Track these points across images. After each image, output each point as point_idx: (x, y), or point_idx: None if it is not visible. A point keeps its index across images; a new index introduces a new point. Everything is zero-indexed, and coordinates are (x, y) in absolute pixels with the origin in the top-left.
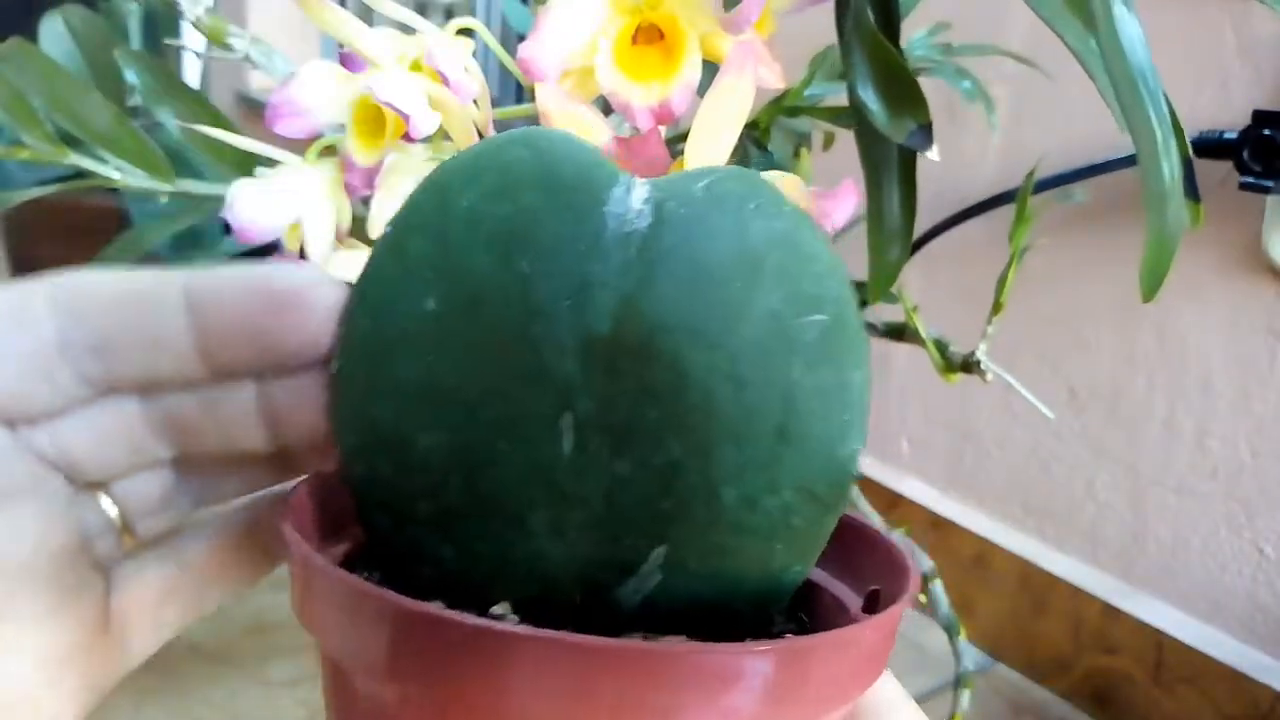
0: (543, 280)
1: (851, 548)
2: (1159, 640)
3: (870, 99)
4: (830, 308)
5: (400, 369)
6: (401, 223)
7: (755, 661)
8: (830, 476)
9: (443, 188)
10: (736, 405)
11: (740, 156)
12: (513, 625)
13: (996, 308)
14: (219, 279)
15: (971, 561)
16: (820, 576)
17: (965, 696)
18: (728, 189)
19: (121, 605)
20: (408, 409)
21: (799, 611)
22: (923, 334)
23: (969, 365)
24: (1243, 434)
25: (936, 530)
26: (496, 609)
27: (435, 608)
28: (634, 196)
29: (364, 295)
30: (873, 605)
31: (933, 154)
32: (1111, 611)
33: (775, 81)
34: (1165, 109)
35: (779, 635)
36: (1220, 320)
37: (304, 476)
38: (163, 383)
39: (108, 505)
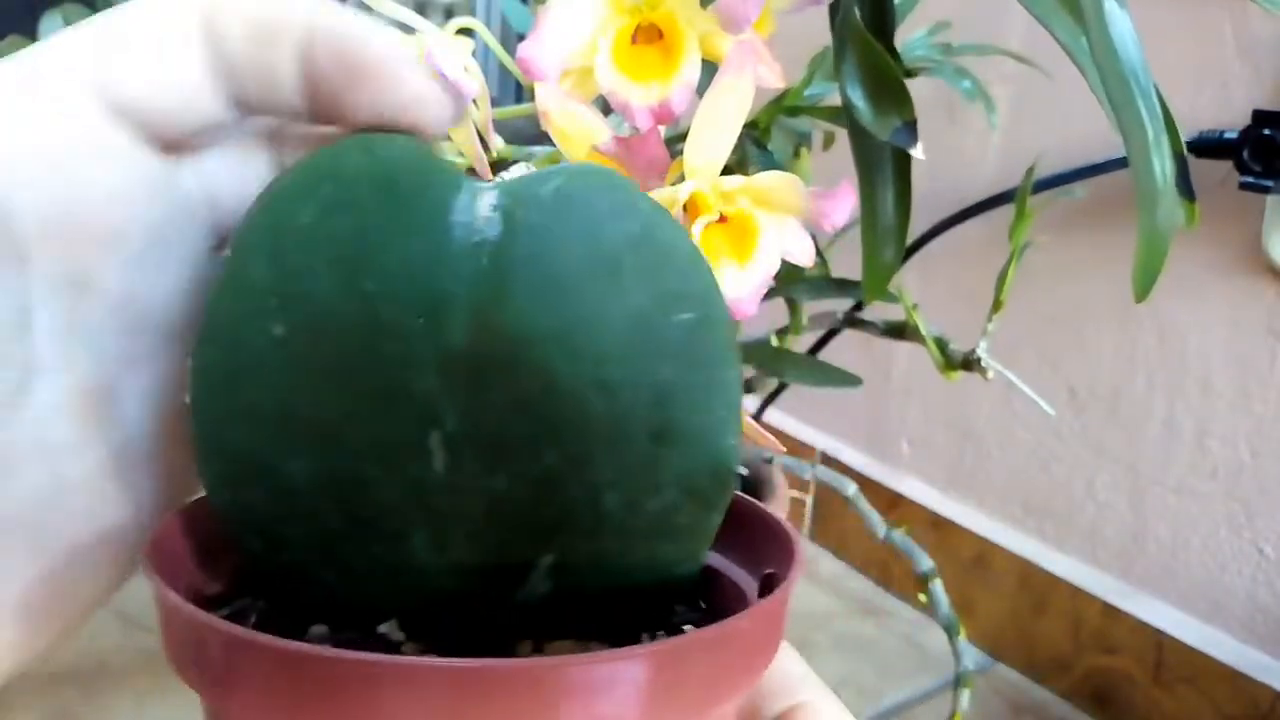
0: (390, 298)
1: (747, 531)
2: (1159, 640)
3: (857, 96)
4: (696, 305)
5: (255, 397)
6: (240, 244)
7: (628, 668)
8: (711, 472)
9: (277, 205)
10: (609, 410)
11: (740, 156)
12: (384, 656)
13: (997, 305)
14: (338, 33)
15: (972, 561)
16: (720, 562)
17: (965, 696)
18: (579, 191)
19: None
20: (268, 437)
21: (699, 598)
22: (923, 332)
23: (970, 363)
24: (1243, 434)
25: (937, 530)
26: (384, 627)
27: (305, 646)
28: (481, 204)
29: (210, 323)
30: (768, 587)
31: (917, 152)
32: (1111, 611)
33: (775, 81)
34: (1157, 106)
35: (678, 626)
36: (1220, 320)
37: (173, 511)
38: (280, 113)
39: None
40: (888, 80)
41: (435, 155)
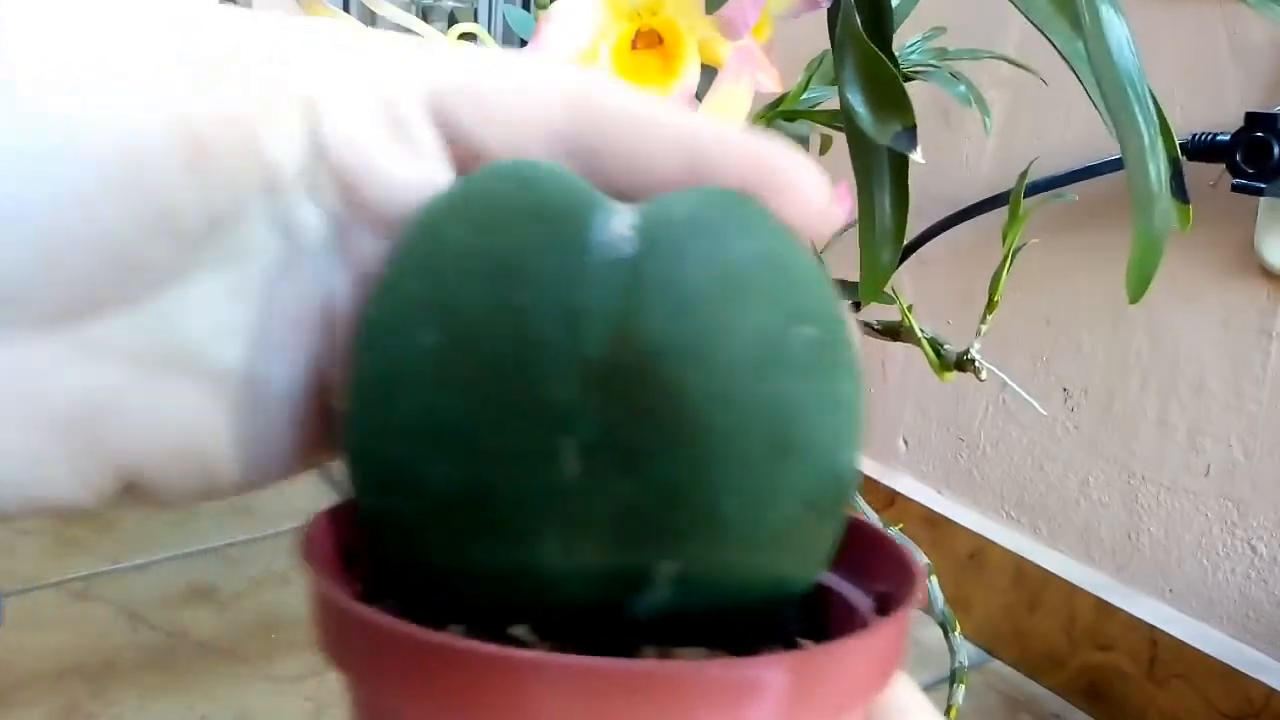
0: (536, 310)
1: (858, 548)
2: (1152, 636)
3: (857, 102)
4: (818, 321)
5: (404, 405)
6: (394, 261)
7: (769, 673)
8: (830, 486)
9: (432, 224)
10: (731, 422)
11: None
12: (529, 652)
13: (991, 305)
14: (729, 141)
15: (967, 558)
16: (829, 579)
17: (960, 692)
18: (711, 211)
19: None
20: (414, 444)
21: (810, 613)
22: (918, 333)
23: (964, 364)
24: (1235, 433)
25: (932, 527)
26: (515, 630)
27: (451, 638)
28: (618, 223)
29: (364, 334)
30: (883, 606)
31: (917, 156)
32: (1105, 608)
33: (773, 85)
34: (1152, 111)
35: (791, 639)
36: (1213, 321)
37: (322, 509)
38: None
39: None
40: (888, 85)
41: (577, 179)
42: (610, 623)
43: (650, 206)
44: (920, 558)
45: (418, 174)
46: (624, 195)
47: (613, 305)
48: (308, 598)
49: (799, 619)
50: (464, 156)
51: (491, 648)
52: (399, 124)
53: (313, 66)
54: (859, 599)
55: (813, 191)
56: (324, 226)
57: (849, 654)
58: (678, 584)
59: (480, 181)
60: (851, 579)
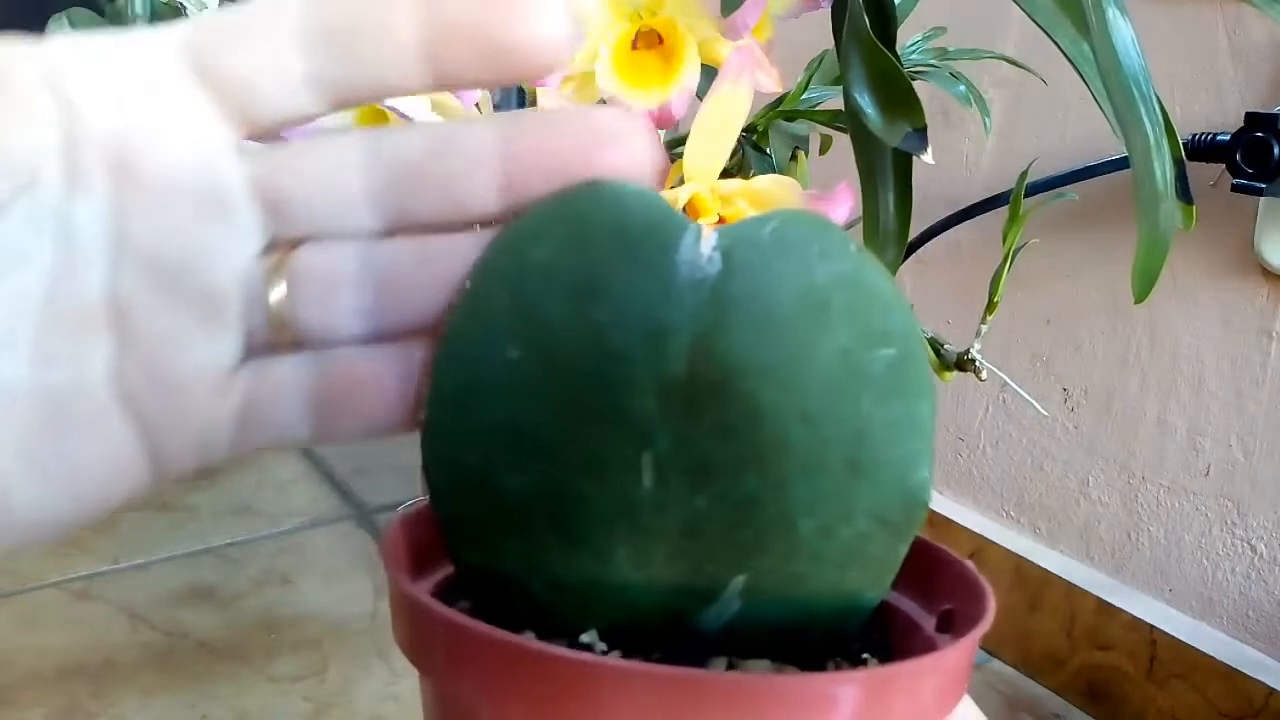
0: (619, 326)
1: (921, 567)
2: (1152, 636)
3: (865, 103)
4: (897, 342)
5: (486, 415)
6: (480, 277)
7: (843, 689)
8: (902, 504)
9: (517, 242)
10: (810, 440)
11: (738, 160)
12: (611, 659)
13: (991, 306)
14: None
15: (967, 558)
16: (891, 596)
17: None
18: (793, 233)
19: (241, 382)
20: (494, 453)
21: (873, 632)
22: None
23: (964, 364)
24: (1235, 433)
25: (932, 527)
26: (585, 637)
27: (536, 643)
28: (703, 244)
29: (448, 347)
30: (945, 625)
31: (927, 157)
32: (1105, 608)
33: (773, 85)
34: (1158, 111)
35: (856, 656)
36: (1213, 321)
37: (401, 511)
38: (385, 90)
39: (278, 291)
40: (897, 86)
41: (662, 200)
42: (678, 634)
43: (733, 228)
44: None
45: (192, 138)
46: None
47: (694, 323)
48: (389, 597)
49: (862, 636)
50: (236, 105)
51: (576, 654)
52: (158, 86)
53: (55, 51)
54: (922, 617)
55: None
56: (100, 218)
57: (920, 674)
58: (747, 597)
59: (565, 199)
60: (913, 596)
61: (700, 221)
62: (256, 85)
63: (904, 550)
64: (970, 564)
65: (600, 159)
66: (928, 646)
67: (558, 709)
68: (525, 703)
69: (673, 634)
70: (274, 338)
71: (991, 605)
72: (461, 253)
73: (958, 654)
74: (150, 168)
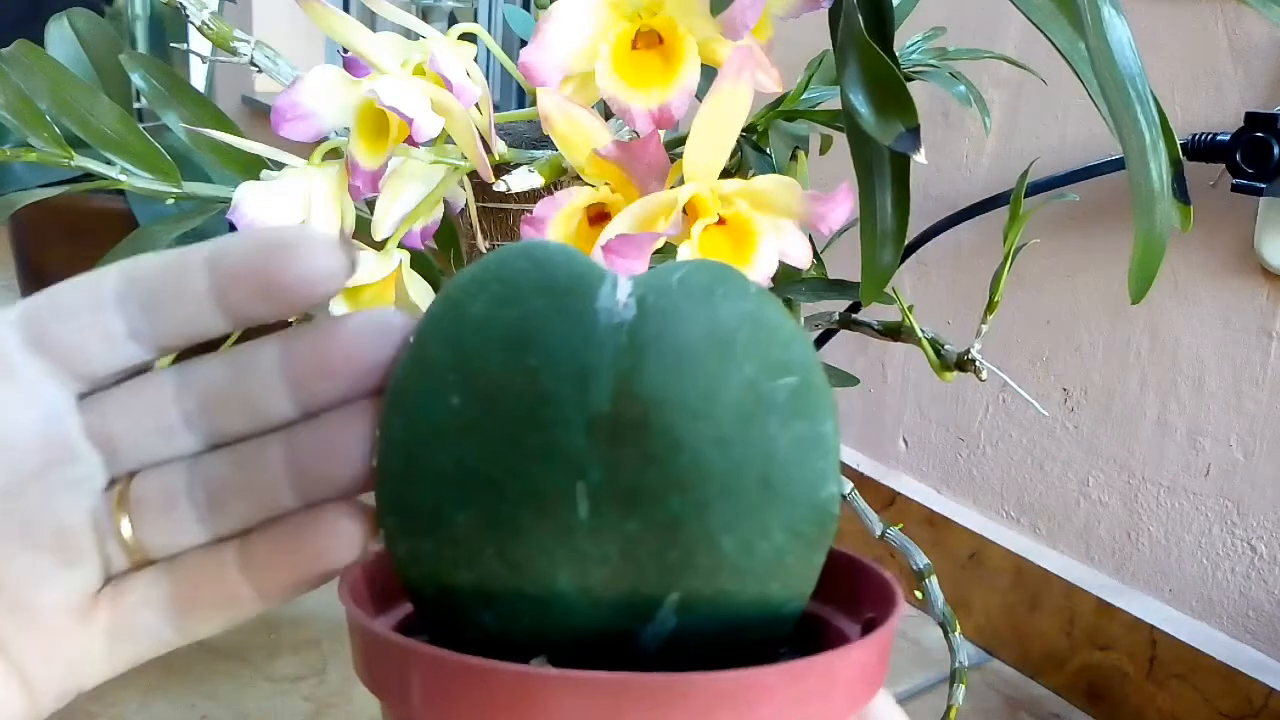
0: (549, 371)
1: (848, 581)
2: (1152, 636)
3: (860, 103)
4: (797, 371)
5: (433, 458)
6: (422, 333)
7: (772, 679)
8: (814, 517)
9: (456, 299)
10: (724, 463)
11: (738, 160)
12: (554, 670)
13: (991, 306)
14: (233, 238)
15: (967, 558)
16: (824, 610)
17: (961, 691)
18: (698, 280)
19: (104, 604)
20: (442, 492)
21: (806, 643)
22: (918, 333)
23: (964, 364)
24: (1235, 433)
25: (932, 527)
26: (534, 662)
27: (479, 660)
28: (619, 292)
29: (395, 398)
30: (868, 632)
31: (920, 157)
32: (1105, 608)
33: (773, 86)
34: (1154, 111)
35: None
36: (1212, 321)
37: (358, 562)
38: (193, 334)
39: (125, 524)
40: (891, 86)
41: (583, 256)
42: (622, 654)
43: (645, 276)
44: (921, 558)
45: (35, 401)
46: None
47: (616, 363)
48: (348, 634)
49: (796, 648)
50: (70, 365)
51: (520, 667)
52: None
53: None
54: (849, 627)
55: (320, 251)
56: None
57: (839, 664)
58: (681, 614)
59: (496, 262)
60: (842, 610)
61: (614, 272)
62: (85, 347)
63: (819, 559)
64: (883, 571)
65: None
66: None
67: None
68: (472, 716)
69: (617, 655)
70: (128, 560)
71: (899, 604)
72: (270, 456)
73: (870, 648)
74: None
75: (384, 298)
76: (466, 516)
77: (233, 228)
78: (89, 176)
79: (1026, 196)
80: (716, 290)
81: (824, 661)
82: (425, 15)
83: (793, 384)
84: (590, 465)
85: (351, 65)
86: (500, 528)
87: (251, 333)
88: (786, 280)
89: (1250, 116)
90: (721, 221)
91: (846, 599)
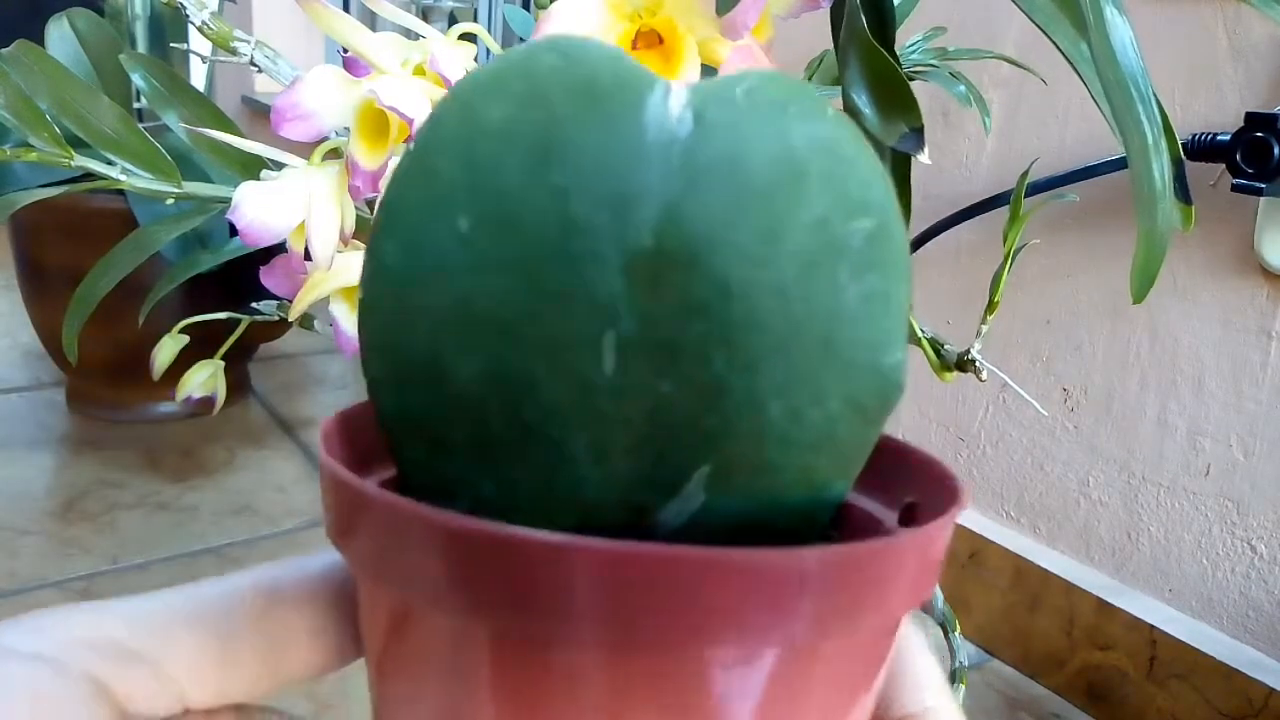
0: (581, 193)
1: (878, 461)
2: (1152, 636)
3: (863, 102)
4: (876, 213)
5: (432, 295)
6: (426, 141)
7: (809, 564)
8: (876, 386)
9: (468, 100)
10: (782, 318)
11: None
12: (571, 537)
13: (991, 306)
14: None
15: (967, 558)
16: (852, 494)
17: (960, 692)
18: (768, 93)
19: None
20: (442, 336)
21: (830, 530)
22: (918, 334)
23: (964, 364)
24: (1235, 433)
25: None
26: (529, 529)
27: (487, 522)
28: (672, 102)
29: (389, 220)
30: (909, 519)
31: (924, 157)
32: (1105, 608)
33: None
34: (1156, 112)
35: None
36: (1212, 320)
37: (337, 411)
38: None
39: None
40: (894, 86)
41: (627, 56)
42: (637, 532)
43: (705, 85)
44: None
45: None
46: None
47: (664, 188)
48: (321, 491)
49: (821, 534)
50: None
51: (520, 529)
52: None
53: None
54: (882, 512)
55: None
56: None
57: (886, 555)
58: (711, 488)
59: (520, 56)
60: (871, 493)
61: (665, 79)
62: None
63: (874, 436)
64: (933, 454)
65: None
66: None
67: (514, 595)
68: (459, 590)
69: (632, 532)
70: None
71: (963, 490)
72: None
73: (923, 540)
74: None
75: None
76: (470, 366)
77: (233, 229)
78: (89, 176)
79: (1026, 196)
80: (790, 108)
81: (879, 547)
82: (425, 15)
83: (870, 228)
84: (623, 312)
85: (351, 65)
86: (509, 381)
87: (248, 334)
88: None
89: (1250, 116)
90: None
91: (876, 482)
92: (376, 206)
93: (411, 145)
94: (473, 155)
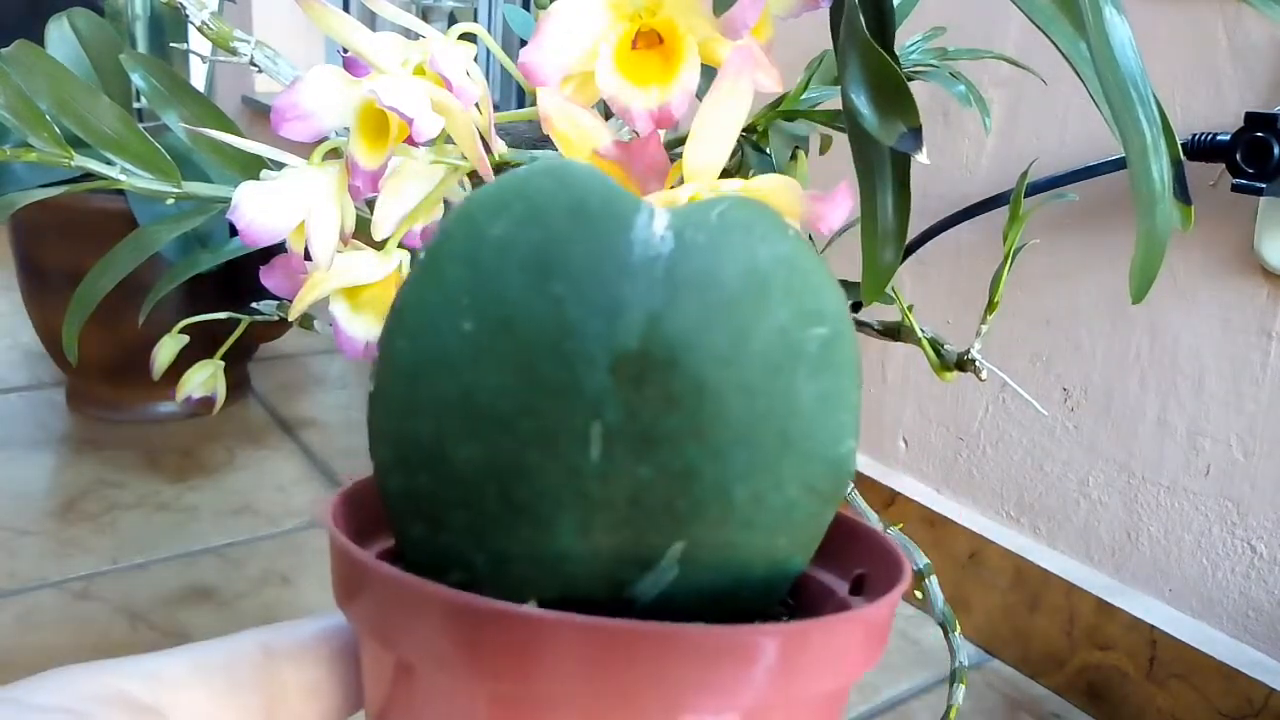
0: (576, 300)
1: (833, 536)
2: (1152, 636)
3: (861, 102)
4: (830, 322)
5: (439, 387)
6: (436, 251)
7: (766, 640)
8: (830, 473)
9: (474, 218)
10: (747, 412)
11: (738, 160)
12: (546, 611)
13: (991, 306)
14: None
15: (967, 558)
16: (809, 567)
17: (960, 691)
18: (738, 216)
19: None
20: (445, 424)
21: (789, 599)
22: (918, 333)
23: (964, 364)
24: (1235, 433)
25: (932, 527)
26: (525, 607)
27: (471, 596)
28: (656, 223)
29: (402, 320)
30: (858, 589)
31: (922, 157)
32: (1105, 608)
33: (773, 85)
34: (1155, 111)
35: (778, 619)
36: (1212, 321)
37: (342, 488)
38: None
39: None
40: (893, 86)
41: (614, 181)
42: (615, 603)
43: (685, 209)
44: (920, 558)
45: None
46: None
47: (649, 299)
48: (331, 562)
49: (781, 603)
50: None
51: (517, 607)
52: None
53: None
54: (835, 583)
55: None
56: None
57: (838, 629)
58: (683, 564)
59: (519, 180)
60: (825, 565)
61: (648, 202)
62: None
63: (829, 517)
64: (879, 530)
65: None
66: (842, 609)
67: (496, 662)
68: (464, 658)
69: (610, 603)
70: None
71: (907, 566)
72: None
73: (873, 615)
74: None
75: (384, 297)
76: (471, 452)
77: (233, 229)
78: (89, 176)
79: (1026, 196)
80: (756, 228)
81: (830, 623)
82: (425, 15)
83: (824, 335)
84: (609, 405)
85: (351, 65)
86: (505, 466)
87: (248, 334)
88: None
89: (1250, 116)
90: None
91: (831, 555)
92: (390, 307)
93: (421, 254)
94: (478, 265)
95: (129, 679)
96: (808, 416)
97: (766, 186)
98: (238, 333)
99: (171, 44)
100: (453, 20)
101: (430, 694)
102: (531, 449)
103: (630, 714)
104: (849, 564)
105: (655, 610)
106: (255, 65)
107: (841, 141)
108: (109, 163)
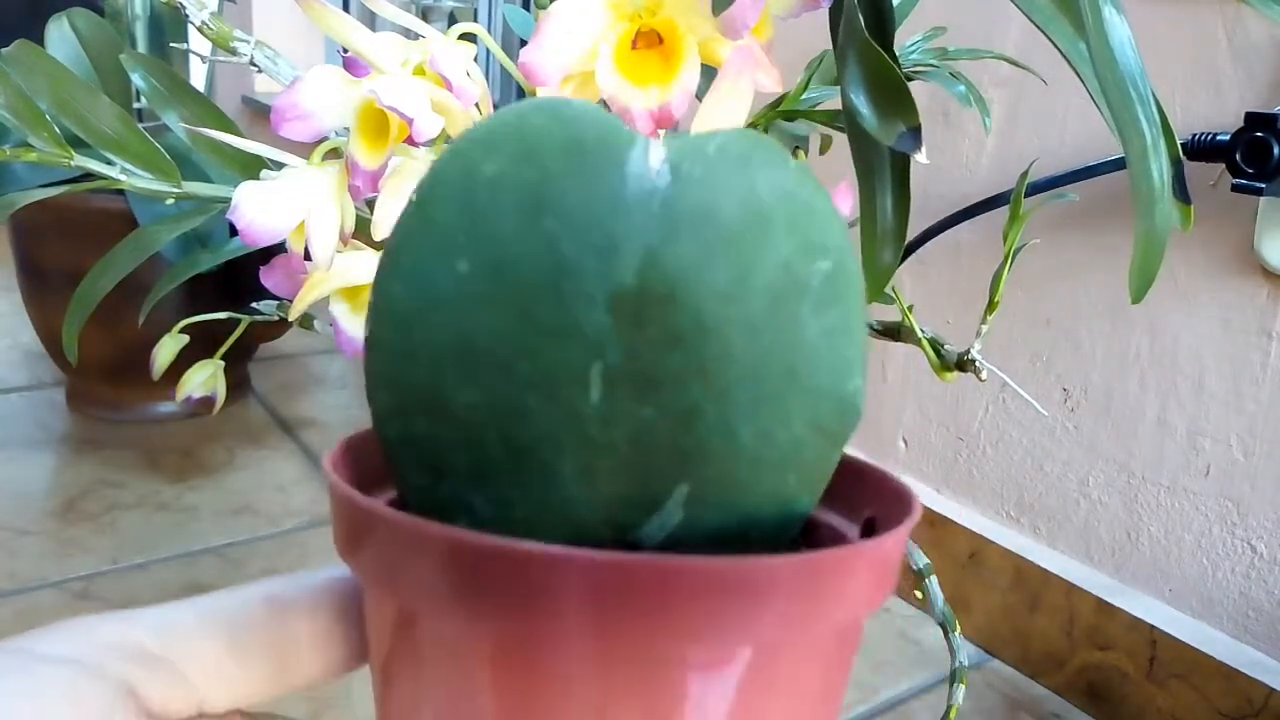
0: (570, 238)
1: (842, 480)
2: (1152, 636)
3: (860, 102)
4: (834, 254)
5: (434, 332)
6: (428, 192)
7: (779, 571)
8: (837, 410)
9: (466, 156)
10: (751, 349)
11: None
12: (558, 547)
13: (991, 306)
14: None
15: (967, 558)
16: (818, 510)
17: (960, 691)
18: (737, 147)
19: None
20: (442, 370)
21: (800, 543)
22: (918, 333)
23: (964, 364)
24: (1235, 433)
25: (932, 527)
26: (528, 542)
27: (476, 533)
28: (652, 157)
29: (395, 263)
30: (869, 532)
31: (921, 157)
32: (1105, 608)
33: (773, 85)
34: (1155, 111)
35: None
36: (1212, 320)
37: (342, 438)
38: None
39: None
40: (892, 86)
41: (611, 115)
42: (620, 547)
43: (680, 141)
44: (921, 558)
45: None
46: None
47: (645, 235)
48: (331, 509)
49: (791, 546)
50: None
51: (520, 542)
52: None
53: None
54: (846, 527)
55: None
56: None
57: (848, 561)
58: (689, 506)
59: (513, 117)
60: (837, 509)
61: (645, 136)
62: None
63: (837, 456)
64: (889, 472)
65: None
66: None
67: (507, 602)
68: (464, 597)
69: (615, 548)
70: None
71: (916, 504)
72: None
73: (883, 548)
74: None
75: None
76: (469, 397)
77: (233, 229)
78: (89, 176)
79: (1026, 196)
80: (755, 159)
81: (841, 555)
82: (425, 15)
83: (827, 269)
84: (609, 345)
85: (351, 65)
86: (505, 410)
87: (248, 334)
88: None
89: (1250, 116)
90: None
91: (842, 499)
92: (382, 251)
93: (413, 195)
94: (471, 205)
95: (139, 629)
96: (814, 352)
97: None
98: (238, 333)
99: (171, 44)
100: (453, 20)
101: (433, 642)
102: (530, 392)
103: (637, 650)
104: (859, 507)
105: (669, 549)
106: (255, 65)
107: (841, 141)
108: (109, 163)
